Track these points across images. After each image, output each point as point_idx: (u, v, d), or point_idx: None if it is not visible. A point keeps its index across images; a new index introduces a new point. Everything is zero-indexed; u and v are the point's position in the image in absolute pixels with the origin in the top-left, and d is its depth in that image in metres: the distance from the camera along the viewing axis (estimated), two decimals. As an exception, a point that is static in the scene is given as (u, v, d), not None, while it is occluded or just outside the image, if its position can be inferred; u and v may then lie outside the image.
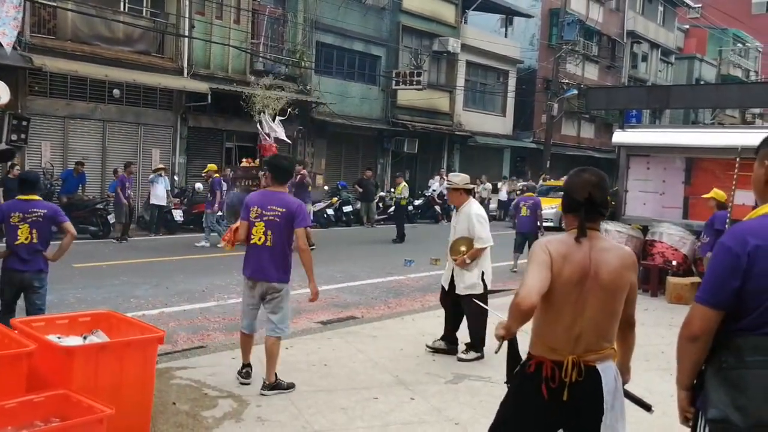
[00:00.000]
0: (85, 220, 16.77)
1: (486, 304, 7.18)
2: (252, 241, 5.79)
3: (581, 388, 3.11)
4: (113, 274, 11.73)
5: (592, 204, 3.14)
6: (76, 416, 3.85)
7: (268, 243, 5.71)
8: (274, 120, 17.78)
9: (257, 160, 17.96)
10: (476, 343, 7.18)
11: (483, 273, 7.17)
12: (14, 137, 16.81)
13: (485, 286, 7.20)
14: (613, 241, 3.39)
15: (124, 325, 5.02)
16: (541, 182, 28.38)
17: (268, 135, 17.50)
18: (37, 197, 6.34)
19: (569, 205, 3.23)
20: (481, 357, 7.15)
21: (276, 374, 5.83)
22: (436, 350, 7.36)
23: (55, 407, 3.97)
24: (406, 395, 5.93)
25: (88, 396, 3.99)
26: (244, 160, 18.72)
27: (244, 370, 6.05)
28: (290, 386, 5.89)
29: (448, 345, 7.37)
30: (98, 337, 4.72)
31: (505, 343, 3.27)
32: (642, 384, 6.56)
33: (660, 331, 8.77)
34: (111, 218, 17.03)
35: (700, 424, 2.71)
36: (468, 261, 7.04)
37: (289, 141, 19.48)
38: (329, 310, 9.70)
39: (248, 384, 5.92)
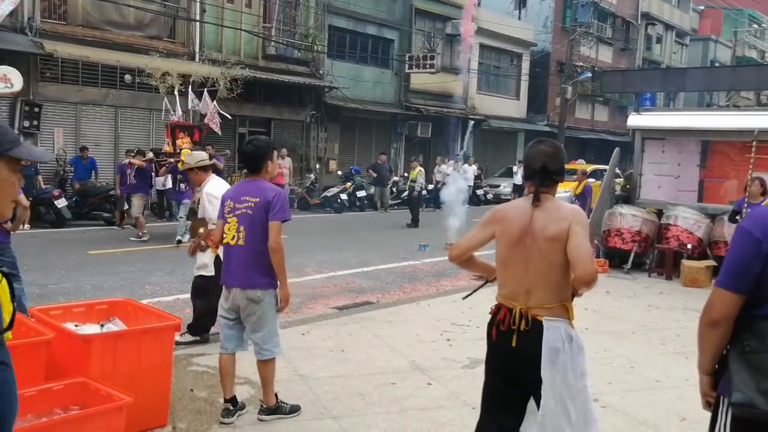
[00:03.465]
0: (98, 207, 16.84)
1: (217, 287, 5.58)
2: (225, 241, 4.87)
3: (525, 338, 3.33)
4: (128, 261, 11.76)
5: (546, 172, 3.37)
6: (95, 404, 3.86)
7: (240, 242, 4.76)
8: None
9: (170, 145, 15.61)
10: (195, 326, 6.80)
11: (219, 255, 6.01)
12: (26, 124, 16.90)
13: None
14: (565, 203, 3.51)
15: (140, 312, 5.02)
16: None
17: (175, 112, 16.55)
18: None
19: (527, 174, 3.47)
20: (201, 341, 6.73)
21: (277, 395, 4.96)
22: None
23: (74, 395, 3.97)
24: (423, 380, 5.92)
25: (106, 384, 4.00)
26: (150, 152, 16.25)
27: (223, 407, 4.89)
28: (294, 410, 5.01)
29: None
30: (115, 325, 4.73)
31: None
32: (658, 368, 6.55)
33: (675, 314, 8.75)
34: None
35: (722, 408, 2.67)
36: (203, 243, 6.04)
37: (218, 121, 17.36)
38: (345, 296, 9.70)
39: (230, 423, 4.80)
